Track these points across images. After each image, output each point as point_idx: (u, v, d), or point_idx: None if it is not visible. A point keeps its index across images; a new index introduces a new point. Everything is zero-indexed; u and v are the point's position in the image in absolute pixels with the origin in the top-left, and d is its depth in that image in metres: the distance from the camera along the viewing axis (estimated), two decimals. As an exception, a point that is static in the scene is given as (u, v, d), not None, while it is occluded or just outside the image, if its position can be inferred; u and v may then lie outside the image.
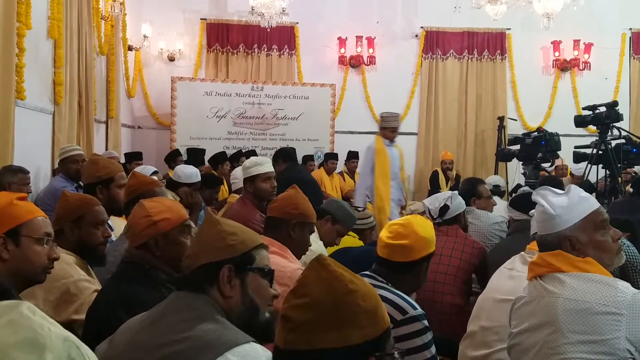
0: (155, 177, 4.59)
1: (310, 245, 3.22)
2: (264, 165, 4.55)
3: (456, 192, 4.40)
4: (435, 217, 4.16)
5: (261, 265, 1.90)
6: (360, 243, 4.54)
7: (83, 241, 2.90)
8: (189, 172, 5.43)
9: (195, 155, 9.03)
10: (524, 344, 2.20)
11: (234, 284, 1.84)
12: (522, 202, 4.16)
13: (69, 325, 2.64)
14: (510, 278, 2.88)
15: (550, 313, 2.12)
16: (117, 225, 3.82)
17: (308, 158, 10.02)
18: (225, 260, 1.84)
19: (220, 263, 1.84)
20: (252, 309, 1.87)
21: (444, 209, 4.18)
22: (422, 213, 4.04)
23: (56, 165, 6.31)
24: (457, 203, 4.26)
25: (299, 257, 3.18)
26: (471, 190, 5.13)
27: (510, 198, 5.56)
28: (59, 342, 1.11)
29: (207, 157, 9.15)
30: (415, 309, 2.46)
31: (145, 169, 5.24)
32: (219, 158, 8.71)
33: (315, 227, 3.41)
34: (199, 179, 5.51)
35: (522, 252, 2.95)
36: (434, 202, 4.25)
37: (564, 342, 2.06)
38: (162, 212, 2.48)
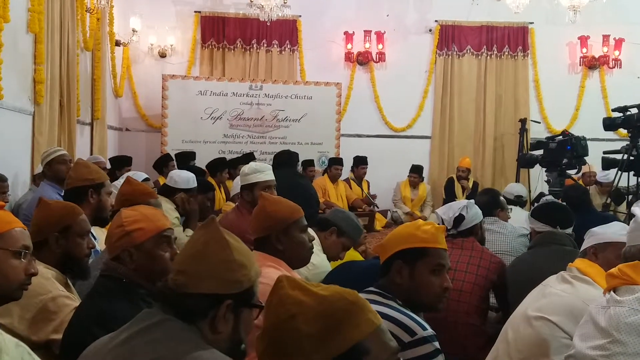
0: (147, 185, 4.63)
1: (312, 250, 3.19)
2: (264, 172, 4.56)
3: (472, 201, 4.39)
4: (449, 228, 4.15)
5: (257, 301, 1.87)
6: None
7: (69, 253, 2.91)
8: (185, 177, 5.45)
9: (183, 159, 8.99)
10: (581, 353, 2.24)
11: (228, 319, 1.81)
12: (545, 213, 4.16)
13: (46, 345, 2.64)
14: (543, 296, 2.90)
15: (612, 323, 2.16)
16: (101, 236, 3.83)
17: (308, 163, 9.97)
18: (227, 295, 1.80)
19: (221, 297, 1.79)
20: (236, 343, 1.85)
21: (459, 219, 4.16)
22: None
23: (37, 171, 6.30)
24: (474, 213, 4.24)
25: (301, 265, 3.17)
26: (494, 201, 5.20)
27: (532, 208, 5.57)
28: (12, 346, 1.14)
29: (198, 161, 9.13)
30: (425, 329, 2.45)
31: (135, 175, 5.24)
32: (218, 165, 8.70)
33: (313, 231, 3.38)
34: (195, 184, 5.53)
35: (562, 272, 2.96)
36: (448, 211, 4.24)
37: (619, 351, 2.10)
38: (136, 222, 2.48)
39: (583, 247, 3.07)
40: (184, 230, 5.36)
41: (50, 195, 4.71)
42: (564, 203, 4.98)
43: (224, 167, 8.68)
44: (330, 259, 4.10)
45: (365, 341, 1.46)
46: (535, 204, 5.15)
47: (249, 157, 9.24)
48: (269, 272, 2.71)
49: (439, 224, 4.28)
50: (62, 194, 4.76)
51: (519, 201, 6.77)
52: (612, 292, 2.27)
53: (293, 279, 1.50)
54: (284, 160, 6.37)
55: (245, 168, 4.66)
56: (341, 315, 1.45)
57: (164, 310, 1.80)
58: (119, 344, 1.79)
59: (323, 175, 10.16)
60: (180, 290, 1.78)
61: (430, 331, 2.45)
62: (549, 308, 2.76)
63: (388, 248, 2.64)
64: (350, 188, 10.25)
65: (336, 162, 10.14)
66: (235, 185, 6.22)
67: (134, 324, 1.82)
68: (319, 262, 3.88)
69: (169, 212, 4.98)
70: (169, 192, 5.46)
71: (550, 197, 5.71)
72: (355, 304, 1.51)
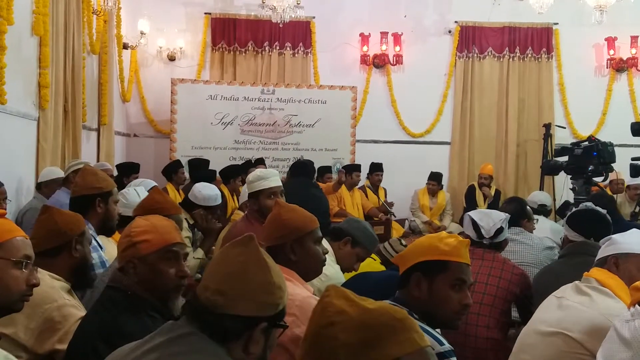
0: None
1: (325, 263, 3.18)
2: (269, 179, 4.55)
3: (508, 216, 4.37)
4: (486, 236, 4.14)
5: (284, 321, 1.90)
6: (382, 268, 4.53)
7: (86, 259, 2.99)
8: (207, 195, 5.43)
9: (197, 168, 9.02)
10: None
11: (259, 340, 1.83)
12: (582, 221, 4.14)
13: (50, 355, 2.66)
14: (559, 308, 2.87)
15: (637, 335, 2.17)
16: (107, 245, 3.86)
17: (325, 170, 9.94)
18: (264, 318, 1.82)
19: (259, 319, 1.82)
20: None
21: (499, 231, 4.17)
22: (460, 234, 4.03)
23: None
24: (507, 229, 4.31)
25: (314, 276, 3.15)
26: (521, 211, 5.20)
27: (557, 217, 5.54)
28: (1, 357, 1.15)
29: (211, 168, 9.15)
30: (442, 344, 2.44)
31: (144, 183, 5.27)
32: (230, 172, 8.72)
33: (324, 238, 3.36)
34: (219, 202, 5.51)
35: (577, 282, 2.93)
36: (487, 220, 4.20)
37: None
38: (144, 233, 2.48)
39: (601, 254, 3.02)
40: (194, 250, 5.32)
41: (65, 201, 4.75)
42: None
43: (237, 174, 8.67)
44: (344, 270, 4.09)
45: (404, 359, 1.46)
46: (567, 213, 5.10)
47: (258, 163, 9.25)
48: (289, 285, 2.71)
49: (465, 232, 4.32)
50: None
51: (543, 210, 6.74)
52: (637, 306, 2.26)
53: (341, 289, 1.52)
54: (300, 170, 6.42)
55: (250, 176, 4.66)
56: (382, 329, 1.45)
57: (189, 323, 1.83)
58: (140, 356, 1.81)
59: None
60: (216, 311, 1.80)
61: (447, 346, 2.44)
62: (567, 323, 2.71)
63: (408, 259, 2.63)
64: (366, 196, 10.22)
65: (354, 168, 10.08)
66: (243, 193, 6.22)
67: (158, 336, 1.85)
68: (332, 273, 3.87)
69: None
70: (188, 206, 5.46)
71: (590, 204, 5.65)
72: (400, 322, 1.49)
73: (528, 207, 5.48)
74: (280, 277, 1.89)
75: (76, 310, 2.77)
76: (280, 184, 4.62)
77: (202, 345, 1.78)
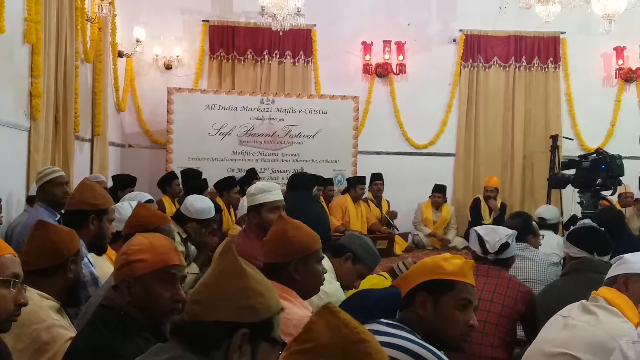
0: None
1: (323, 282, 3.18)
2: (272, 192, 4.54)
3: (515, 232, 4.37)
4: (490, 252, 4.13)
5: (277, 336, 1.89)
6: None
7: (77, 279, 2.98)
8: (200, 208, 5.40)
9: (189, 179, 8.98)
10: None
11: (244, 352, 1.82)
12: (582, 237, 4.13)
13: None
14: (565, 327, 2.87)
15: None
16: (99, 264, 3.85)
17: (326, 182, 9.97)
18: (243, 324, 1.81)
19: (236, 325, 1.81)
20: None
21: (505, 246, 4.16)
22: (465, 249, 4.00)
23: (32, 192, 6.30)
24: (515, 245, 4.30)
25: (313, 294, 3.15)
26: (526, 225, 5.20)
27: (564, 232, 5.53)
28: None
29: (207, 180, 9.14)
30: (445, 364, 2.44)
31: (138, 196, 5.25)
32: (227, 183, 8.71)
33: (327, 257, 3.36)
34: (212, 214, 5.48)
35: (583, 301, 2.92)
36: (492, 235, 4.21)
37: None
38: (141, 252, 2.44)
39: (611, 273, 3.03)
40: (188, 265, 5.29)
41: (46, 219, 4.70)
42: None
43: (233, 186, 8.66)
44: (344, 287, 4.08)
45: None
46: (571, 228, 5.11)
47: (250, 174, 9.23)
48: (286, 305, 2.70)
49: (470, 247, 4.31)
50: (57, 218, 4.77)
51: (543, 224, 6.73)
52: None
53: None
54: (300, 183, 6.40)
55: (252, 188, 4.63)
56: None
57: (179, 345, 1.83)
58: None
59: (344, 194, 10.13)
60: (193, 320, 1.82)
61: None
62: (573, 343, 2.72)
63: (412, 279, 2.64)
64: (369, 209, 10.21)
65: (359, 181, 10.10)
66: (241, 207, 6.19)
67: (146, 358, 1.85)
68: (332, 290, 3.86)
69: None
70: (180, 219, 5.44)
71: (588, 221, 5.67)
72: None
73: (533, 222, 5.47)
74: (262, 284, 1.89)
75: (65, 330, 2.75)
76: (282, 198, 4.61)
77: None
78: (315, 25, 11.47)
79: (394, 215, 10.46)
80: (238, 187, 8.69)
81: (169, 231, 3.66)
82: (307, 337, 1.49)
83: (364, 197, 10.24)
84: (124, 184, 8.23)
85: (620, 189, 8.27)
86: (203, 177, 9.24)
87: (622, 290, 2.92)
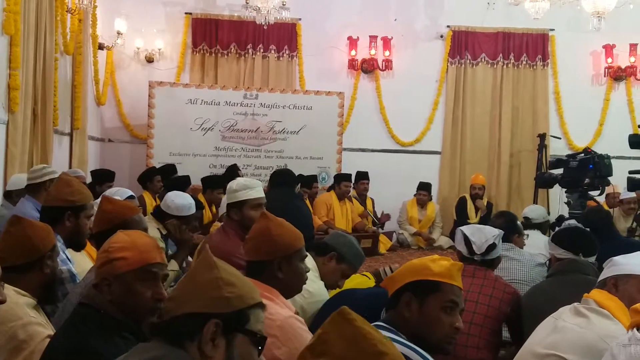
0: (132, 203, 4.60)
1: (306, 280, 3.18)
2: (255, 189, 4.52)
3: (502, 232, 4.38)
4: (477, 253, 4.14)
5: (254, 329, 1.88)
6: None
7: (54, 275, 2.95)
8: (180, 204, 5.37)
9: (167, 174, 8.97)
10: None
11: (218, 344, 1.82)
12: (567, 238, 4.14)
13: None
14: (555, 330, 2.88)
15: None
16: (78, 261, 3.82)
17: (311, 179, 9.94)
18: (214, 314, 1.81)
19: (207, 316, 1.81)
20: None
21: (492, 247, 4.16)
22: (450, 248, 4.01)
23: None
24: (501, 245, 4.30)
25: (296, 293, 3.16)
26: (513, 226, 5.21)
27: (550, 232, 5.55)
28: None
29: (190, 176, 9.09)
30: (430, 364, 2.45)
31: (119, 192, 5.20)
32: (214, 182, 8.67)
33: (311, 256, 3.35)
34: (193, 211, 5.46)
35: (576, 304, 2.93)
36: (479, 235, 4.20)
37: None
38: (122, 250, 2.42)
39: (602, 276, 3.05)
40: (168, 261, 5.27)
41: (31, 213, 4.69)
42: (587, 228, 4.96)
43: (219, 186, 8.61)
44: (328, 286, 4.07)
45: None
46: (556, 228, 5.14)
47: (232, 170, 9.19)
48: (269, 305, 2.69)
49: (456, 247, 4.31)
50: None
51: (528, 224, 6.74)
52: (635, 330, 2.27)
53: (361, 317, 1.57)
54: (282, 180, 6.38)
55: (233, 184, 4.60)
56: None
57: (160, 345, 1.83)
58: None
59: (329, 192, 10.11)
60: (168, 316, 1.83)
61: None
62: (563, 345, 2.73)
63: (399, 279, 2.64)
64: (354, 206, 10.21)
65: (345, 178, 10.08)
66: (223, 205, 6.16)
67: (129, 358, 1.85)
68: (316, 289, 3.85)
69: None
70: (160, 215, 5.42)
71: (573, 222, 5.70)
72: None
73: (518, 222, 5.48)
74: (233, 275, 1.90)
75: (42, 328, 2.73)
76: (264, 195, 4.60)
77: None
78: (300, 19, 11.46)
79: (387, 217, 10.48)
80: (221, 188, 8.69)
81: (138, 221, 3.61)
82: (321, 349, 1.48)
83: (349, 194, 10.23)
84: (102, 178, 8.20)
85: (608, 189, 8.30)
86: (185, 173, 9.20)
87: (613, 292, 2.93)
